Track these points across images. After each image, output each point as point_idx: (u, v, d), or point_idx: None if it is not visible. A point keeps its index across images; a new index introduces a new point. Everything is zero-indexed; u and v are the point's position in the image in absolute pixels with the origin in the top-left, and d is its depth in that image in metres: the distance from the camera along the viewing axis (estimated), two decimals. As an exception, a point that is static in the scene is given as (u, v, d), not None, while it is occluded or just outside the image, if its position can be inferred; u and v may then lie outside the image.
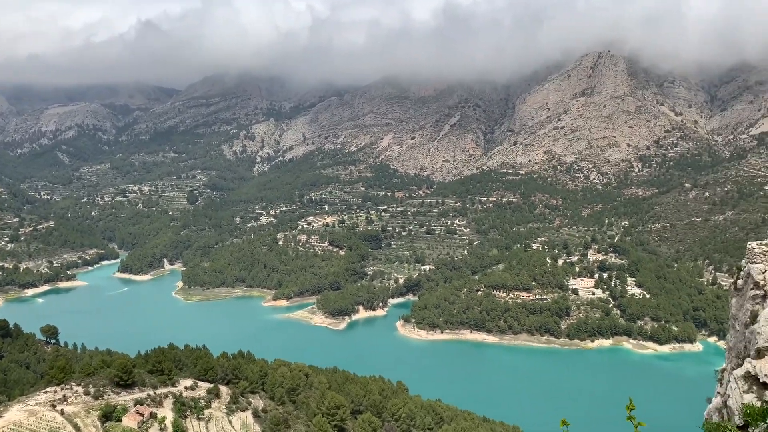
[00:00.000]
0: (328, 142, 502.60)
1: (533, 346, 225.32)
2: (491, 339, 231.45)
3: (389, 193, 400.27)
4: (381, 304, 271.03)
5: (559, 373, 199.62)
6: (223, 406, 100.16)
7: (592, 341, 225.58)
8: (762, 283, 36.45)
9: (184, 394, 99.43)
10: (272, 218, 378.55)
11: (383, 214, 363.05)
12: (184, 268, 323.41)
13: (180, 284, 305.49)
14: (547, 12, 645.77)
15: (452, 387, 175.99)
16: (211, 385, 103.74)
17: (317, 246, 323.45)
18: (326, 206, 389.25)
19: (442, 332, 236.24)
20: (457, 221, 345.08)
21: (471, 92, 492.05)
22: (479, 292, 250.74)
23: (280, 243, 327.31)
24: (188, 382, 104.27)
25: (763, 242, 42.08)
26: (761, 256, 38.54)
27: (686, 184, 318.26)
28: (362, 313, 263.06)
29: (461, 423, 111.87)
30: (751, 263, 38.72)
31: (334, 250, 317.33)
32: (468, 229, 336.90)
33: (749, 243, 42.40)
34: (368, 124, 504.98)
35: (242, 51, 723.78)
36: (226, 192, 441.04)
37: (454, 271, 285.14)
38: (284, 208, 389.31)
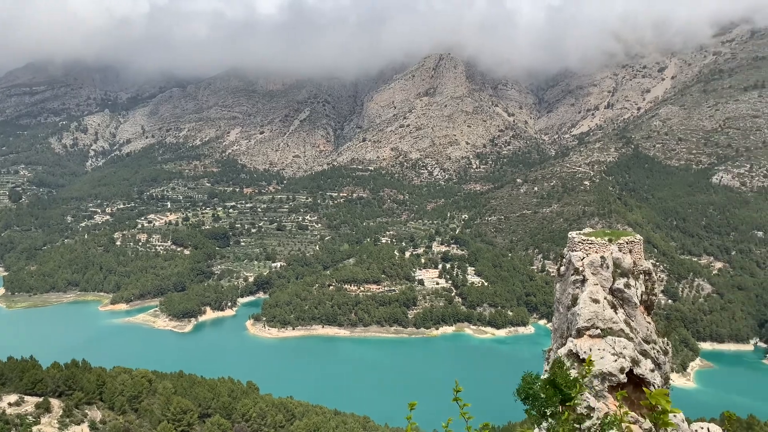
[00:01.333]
0: (170, 136, 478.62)
1: (383, 337, 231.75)
2: (342, 332, 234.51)
3: (237, 189, 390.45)
4: (230, 303, 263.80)
5: (406, 362, 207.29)
6: (55, 421, 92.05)
7: (437, 329, 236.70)
8: (581, 268, 40.88)
9: (8, 411, 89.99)
10: (108, 217, 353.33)
11: (231, 210, 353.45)
12: (6, 273, 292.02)
13: (1, 291, 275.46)
14: (390, 12, 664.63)
15: (304, 383, 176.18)
16: (41, 399, 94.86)
17: (159, 245, 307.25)
18: (169, 203, 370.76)
19: (293, 329, 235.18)
20: (308, 217, 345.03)
21: (320, 88, 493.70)
22: (331, 287, 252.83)
23: (118, 243, 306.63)
24: (12, 398, 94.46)
25: (582, 232, 46.98)
26: (580, 244, 43.08)
27: (518, 180, 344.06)
28: (210, 314, 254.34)
29: (313, 418, 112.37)
30: (572, 251, 43.20)
31: (178, 249, 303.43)
32: (319, 225, 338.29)
33: (570, 233, 47.14)
34: (214, 117, 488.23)
35: (71, 36, 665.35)
36: (55, 189, 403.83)
37: (306, 267, 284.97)
38: (122, 206, 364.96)
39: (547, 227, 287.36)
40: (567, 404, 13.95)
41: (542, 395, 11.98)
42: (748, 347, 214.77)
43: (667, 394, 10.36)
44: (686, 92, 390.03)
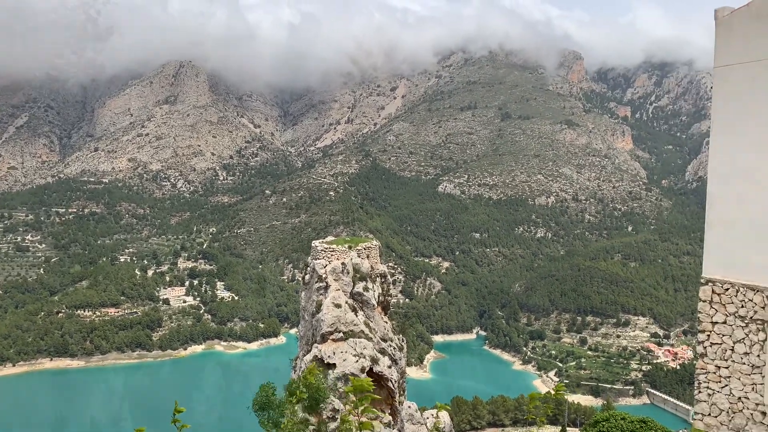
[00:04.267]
0: None
1: (124, 364, 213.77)
2: (76, 363, 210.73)
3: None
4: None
5: (149, 387, 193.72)
6: None
7: (185, 349, 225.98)
8: (324, 275, 42.24)
9: None
10: None
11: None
12: None
13: None
14: (121, 16, 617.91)
15: (28, 426, 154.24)
16: None
17: None
18: None
19: (14, 365, 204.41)
20: (29, 237, 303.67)
21: (41, 92, 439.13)
22: (60, 314, 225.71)
23: None
24: None
25: (324, 240, 48.62)
26: (323, 252, 44.48)
27: (267, 191, 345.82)
28: None
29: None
30: (315, 259, 44.39)
31: None
32: (44, 245, 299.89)
33: (313, 242, 48.44)
34: None
35: None
36: None
37: (28, 294, 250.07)
38: None
39: (296, 237, 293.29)
40: (314, 409, 13.94)
41: (277, 403, 11.82)
42: (472, 336, 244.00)
43: (372, 382, 10.85)
44: (414, 110, 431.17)
